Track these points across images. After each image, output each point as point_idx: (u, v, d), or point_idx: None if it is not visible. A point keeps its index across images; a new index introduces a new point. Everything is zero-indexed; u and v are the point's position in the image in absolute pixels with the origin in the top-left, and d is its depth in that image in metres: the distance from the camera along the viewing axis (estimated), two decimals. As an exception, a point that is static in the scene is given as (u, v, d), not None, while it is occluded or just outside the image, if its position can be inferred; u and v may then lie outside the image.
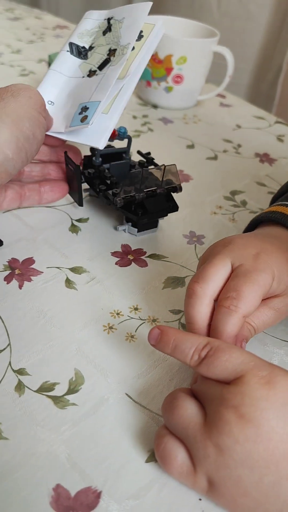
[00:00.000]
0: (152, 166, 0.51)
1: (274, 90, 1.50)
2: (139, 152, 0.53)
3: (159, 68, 0.74)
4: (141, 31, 0.47)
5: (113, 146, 0.53)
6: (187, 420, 0.29)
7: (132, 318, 0.41)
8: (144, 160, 0.52)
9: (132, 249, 0.48)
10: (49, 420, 0.33)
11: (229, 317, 0.33)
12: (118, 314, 0.41)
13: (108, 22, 0.50)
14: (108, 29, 0.50)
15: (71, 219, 0.51)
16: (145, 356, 0.38)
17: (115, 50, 0.47)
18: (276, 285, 0.35)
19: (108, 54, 0.48)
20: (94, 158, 0.49)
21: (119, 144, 0.54)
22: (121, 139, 0.51)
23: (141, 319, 0.41)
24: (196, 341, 0.31)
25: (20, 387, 0.34)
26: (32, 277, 0.43)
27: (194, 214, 0.54)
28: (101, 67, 0.48)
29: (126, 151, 0.52)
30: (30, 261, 0.45)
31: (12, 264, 0.44)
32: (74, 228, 0.50)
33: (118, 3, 1.68)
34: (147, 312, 0.42)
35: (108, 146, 0.53)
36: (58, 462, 0.30)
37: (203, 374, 0.30)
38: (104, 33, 0.50)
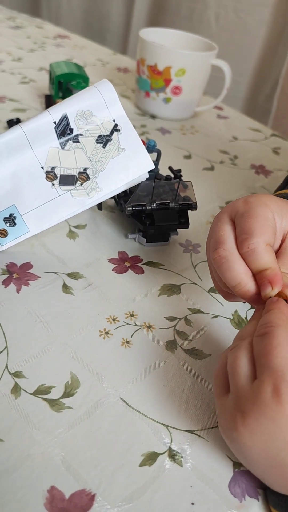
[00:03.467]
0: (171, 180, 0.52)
1: (271, 104, 1.52)
2: (170, 168, 0.54)
3: (158, 79, 0.75)
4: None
5: None
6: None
7: (128, 324, 0.42)
8: (172, 175, 0.53)
9: (129, 256, 0.49)
10: (44, 423, 0.33)
11: (254, 255, 0.33)
12: (114, 319, 0.42)
13: (113, 131, 0.44)
14: (107, 140, 0.44)
15: (69, 225, 0.51)
16: (140, 361, 0.38)
17: (87, 175, 0.43)
18: (279, 219, 0.35)
19: (79, 173, 0.43)
20: None
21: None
22: (150, 151, 0.52)
23: (136, 325, 0.42)
24: None
25: (16, 390, 0.35)
26: (29, 282, 0.44)
27: (191, 223, 0.55)
28: (63, 181, 0.43)
29: (156, 164, 0.53)
30: (28, 265, 0.45)
31: (10, 269, 0.45)
32: (72, 234, 0.50)
33: (118, 13, 1.70)
34: (142, 318, 0.42)
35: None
36: (53, 464, 0.31)
37: None
38: (100, 141, 0.44)
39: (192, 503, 0.30)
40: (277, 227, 0.35)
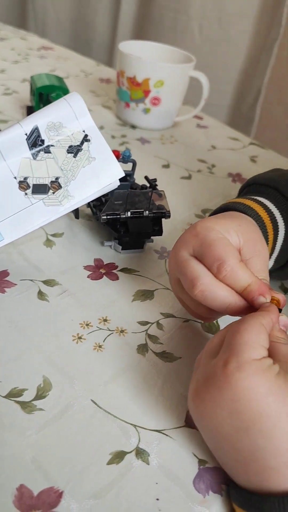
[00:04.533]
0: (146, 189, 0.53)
1: (254, 112, 1.55)
2: (146, 178, 0.55)
3: (137, 91, 0.77)
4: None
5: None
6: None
7: (101, 329, 0.43)
8: (147, 185, 0.55)
9: (105, 263, 0.50)
10: (16, 424, 0.34)
11: (233, 276, 0.36)
12: (87, 325, 0.43)
13: (83, 141, 0.46)
14: (77, 150, 0.45)
15: (47, 233, 0.53)
16: (111, 365, 0.40)
17: (59, 184, 0.44)
18: (228, 236, 0.38)
19: (51, 182, 0.44)
20: None
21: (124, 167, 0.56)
22: (126, 162, 0.54)
23: (109, 330, 0.43)
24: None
25: (-11, 393, 0.36)
26: (6, 289, 0.45)
27: (167, 231, 0.57)
28: (36, 190, 0.44)
29: (130, 174, 0.55)
30: (4, 273, 0.47)
31: (-13, 276, 0.46)
32: (49, 243, 0.52)
33: (104, 24, 1.72)
34: (115, 323, 0.44)
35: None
36: (23, 464, 0.32)
37: None
38: (71, 151, 0.45)
39: (157, 499, 0.31)
40: (238, 244, 0.38)
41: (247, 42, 1.49)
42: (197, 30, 1.52)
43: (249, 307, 0.37)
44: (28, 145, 0.44)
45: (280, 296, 0.37)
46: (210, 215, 0.46)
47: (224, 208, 0.45)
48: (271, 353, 0.32)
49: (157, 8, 1.54)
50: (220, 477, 0.33)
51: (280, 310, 0.36)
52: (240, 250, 0.38)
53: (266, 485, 0.30)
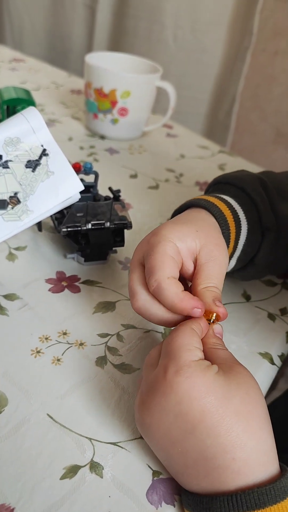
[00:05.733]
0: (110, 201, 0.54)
1: (230, 119, 1.57)
2: (110, 189, 0.56)
3: (104, 102, 0.77)
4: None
5: (83, 180, 0.56)
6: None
7: (60, 342, 0.43)
8: (111, 196, 0.55)
9: (67, 276, 0.51)
10: None
11: (159, 291, 0.35)
12: (46, 338, 0.43)
13: (41, 156, 0.46)
14: (36, 164, 0.45)
15: (9, 247, 0.53)
16: (69, 378, 0.40)
17: (17, 199, 0.45)
18: (183, 244, 0.38)
19: (10, 197, 0.45)
20: None
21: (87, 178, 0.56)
22: (87, 174, 0.54)
23: (68, 343, 0.43)
24: None
25: None
26: None
27: (132, 241, 0.57)
28: None
29: (93, 185, 0.56)
30: None
31: None
32: (11, 256, 0.52)
33: (80, 34, 1.73)
34: (75, 336, 0.44)
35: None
36: (-26, 482, 0.32)
37: None
38: (30, 166, 0.45)
39: (109, 512, 0.32)
40: (183, 251, 0.38)
41: (220, 51, 1.50)
42: (171, 40, 1.53)
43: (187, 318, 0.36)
44: None
45: (220, 310, 0.36)
46: (173, 213, 0.47)
47: (188, 205, 0.46)
48: (211, 359, 0.33)
49: (132, 18, 1.56)
50: (173, 488, 0.34)
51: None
52: (196, 255, 0.38)
53: (217, 486, 0.30)
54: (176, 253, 0.37)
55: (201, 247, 0.39)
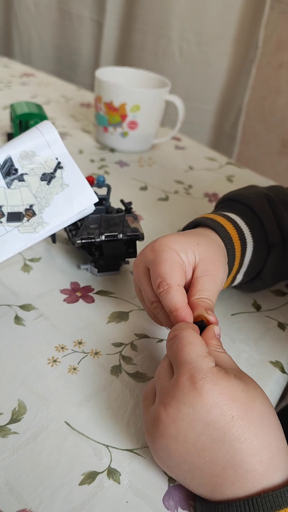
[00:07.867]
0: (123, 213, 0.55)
1: (236, 130, 1.59)
2: (121, 201, 0.57)
3: (114, 115, 0.79)
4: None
5: (96, 193, 0.57)
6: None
7: (76, 351, 0.44)
8: (123, 208, 0.57)
9: (81, 287, 0.52)
10: (-10, 448, 0.35)
11: (168, 295, 0.38)
12: (62, 348, 0.44)
13: (56, 169, 0.47)
14: (51, 177, 0.46)
15: (24, 258, 0.54)
16: (85, 386, 0.41)
17: (33, 211, 0.46)
18: (185, 256, 0.40)
19: (25, 210, 0.46)
20: None
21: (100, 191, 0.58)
22: (100, 187, 0.55)
23: (84, 352, 0.44)
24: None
25: None
26: (-17, 315, 0.46)
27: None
28: (10, 218, 0.45)
29: (106, 198, 0.57)
30: (-18, 299, 0.48)
31: None
32: (26, 268, 0.53)
33: (88, 48, 1.76)
34: (90, 346, 0.45)
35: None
36: (-4, 487, 0.33)
37: None
38: (45, 178, 0.46)
39: (127, 517, 0.32)
40: (185, 263, 0.40)
41: (226, 64, 1.53)
42: (177, 53, 1.56)
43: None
44: (2, 175, 0.45)
45: (211, 318, 0.38)
46: (181, 230, 0.49)
47: (196, 223, 0.47)
48: (217, 363, 0.34)
49: (138, 33, 1.58)
50: (189, 494, 0.34)
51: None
52: (194, 268, 0.41)
53: (242, 492, 0.30)
54: (181, 263, 0.40)
55: (199, 261, 0.41)
